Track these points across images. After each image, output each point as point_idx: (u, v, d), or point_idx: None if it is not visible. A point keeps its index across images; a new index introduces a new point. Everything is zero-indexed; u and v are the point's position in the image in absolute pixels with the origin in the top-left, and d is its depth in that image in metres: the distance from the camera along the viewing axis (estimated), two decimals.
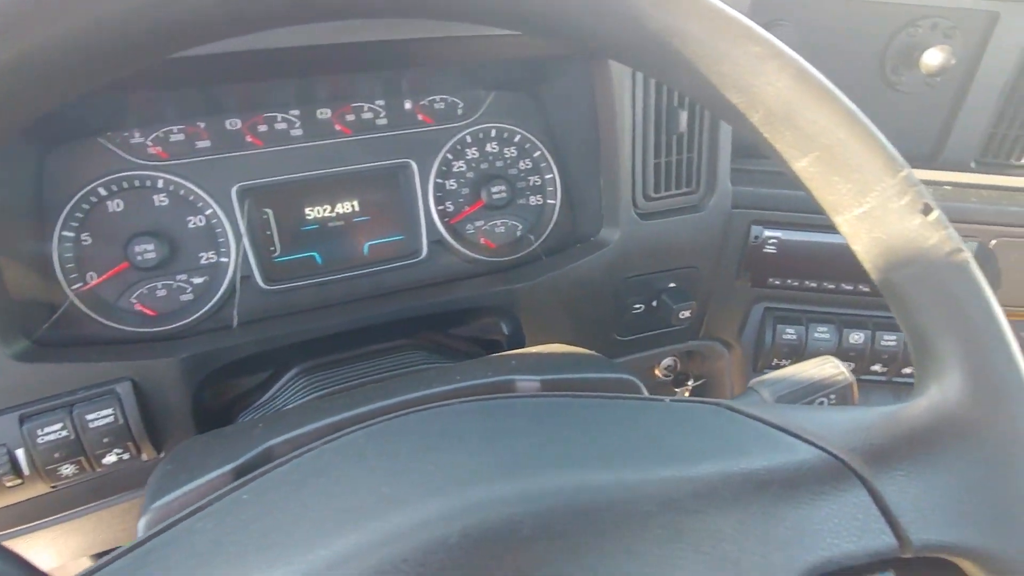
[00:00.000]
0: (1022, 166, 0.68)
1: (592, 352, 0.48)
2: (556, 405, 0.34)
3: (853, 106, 0.29)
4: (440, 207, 0.62)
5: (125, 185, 0.53)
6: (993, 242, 0.64)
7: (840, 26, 0.63)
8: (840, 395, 0.44)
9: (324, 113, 0.59)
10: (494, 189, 0.63)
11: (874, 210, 0.30)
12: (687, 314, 0.63)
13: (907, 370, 0.72)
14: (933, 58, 0.62)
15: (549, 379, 0.40)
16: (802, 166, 0.30)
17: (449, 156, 0.62)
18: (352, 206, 0.60)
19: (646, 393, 0.41)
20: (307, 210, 0.59)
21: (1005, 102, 0.65)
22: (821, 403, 0.44)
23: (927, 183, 0.64)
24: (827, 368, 0.45)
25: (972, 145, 0.68)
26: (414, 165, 0.60)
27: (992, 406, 0.30)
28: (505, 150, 0.64)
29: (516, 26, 0.29)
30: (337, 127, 0.59)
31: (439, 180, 0.62)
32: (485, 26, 0.28)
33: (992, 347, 0.30)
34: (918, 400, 0.32)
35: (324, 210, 0.59)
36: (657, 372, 0.73)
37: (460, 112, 0.63)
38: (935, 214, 0.30)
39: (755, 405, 0.36)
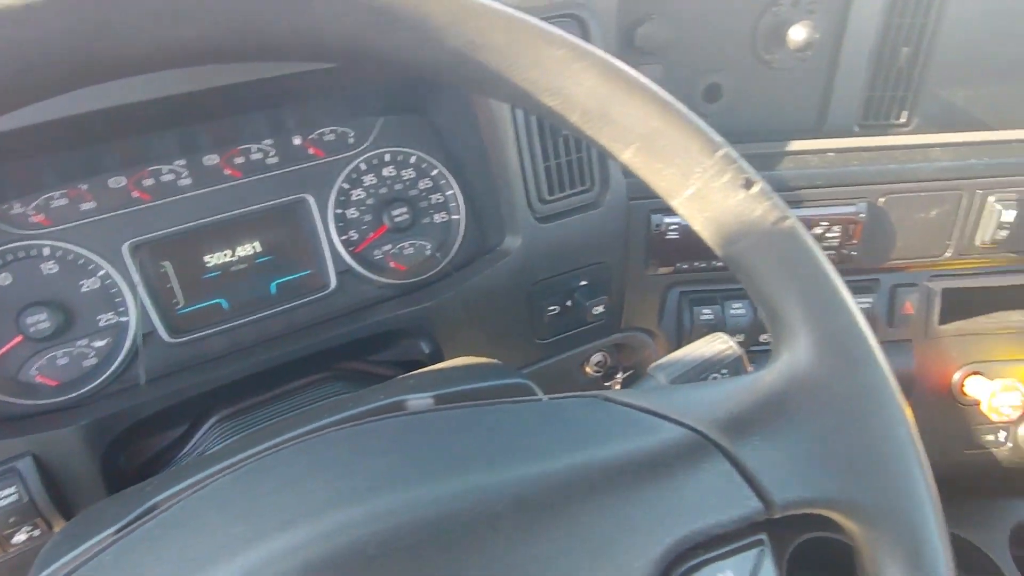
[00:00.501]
0: (901, 124, 0.71)
1: (492, 361, 0.48)
2: (432, 420, 0.34)
3: (665, 95, 0.31)
4: (343, 237, 0.62)
5: (10, 258, 0.52)
6: (881, 200, 0.67)
7: (709, 13, 0.66)
8: (732, 368, 0.46)
9: (211, 159, 0.58)
10: (395, 212, 0.63)
11: (700, 191, 0.31)
12: (600, 309, 0.64)
13: None
14: (798, 34, 0.64)
15: (441, 394, 0.41)
16: (628, 157, 0.31)
17: (345, 186, 0.62)
18: (253, 247, 0.60)
19: (540, 394, 0.42)
20: (207, 258, 0.58)
21: (875, 67, 0.68)
22: (715, 379, 0.46)
23: (813, 152, 0.66)
24: (716, 344, 0.46)
25: (852, 111, 0.70)
26: (311, 199, 0.61)
27: (837, 362, 0.31)
28: (402, 173, 0.65)
29: (325, 59, 0.30)
30: (227, 171, 0.59)
31: (339, 211, 0.62)
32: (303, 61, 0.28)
33: (830, 306, 0.32)
34: (772, 366, 0.33)
35: (225, 255, 0.59)
36: (588, 369, 0.74)
37: (351, 141, 0.63)
38: (757, 187, 0.31)
39: (628, 392, 0.37)
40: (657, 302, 0.71)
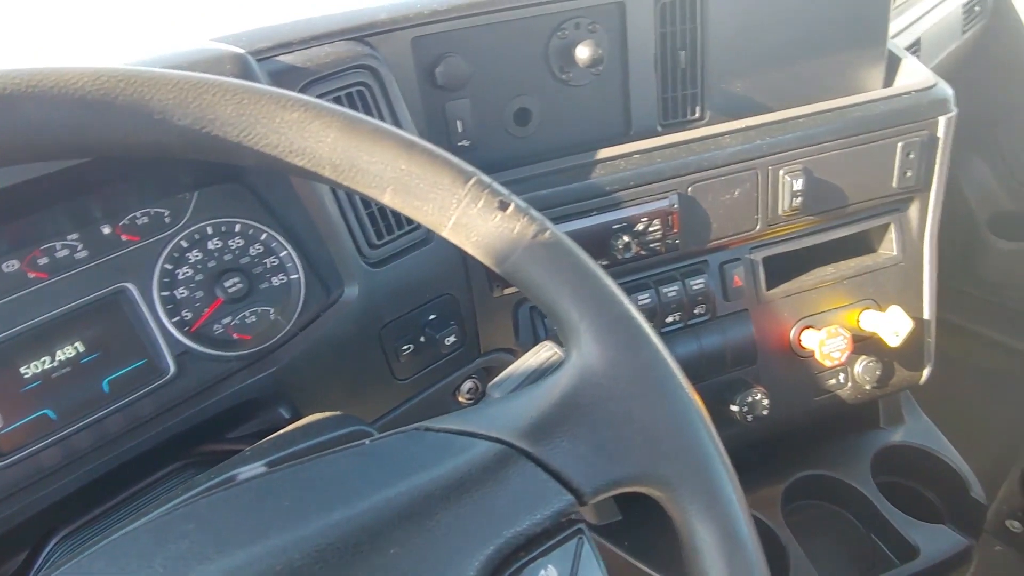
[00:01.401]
0: (698, 119, 0.79)
1: (332, 414, 0.48)
2: (252, 487, 0.34)
3: (408, 136, 0.33)
4: (175, 319, 0.60)
5: None
6: (690, 189, 0.74)
7: (502, 43, 0.70)
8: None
9: (11, 265, 0.55)
10: (229, 283, 0.62)
11: (460, 220, 0.33)
12: (452, 339, 0.66)
13: (698, 310, 0.80)
14: (583, 53, 0.70)
15: (273, 459, 0.41)
16: (388, 200, 0.33)
17: (168, 267, 0.61)
18: (75, 348, 0.57)
19: (376, 435, 0.43)
20: (23, 369, 0.55)
21: (661, 71, 0.75)
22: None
23: (621, 156, 0.71)
24: (543, 353, 0.48)
25: (652, 113, 0.77)
26: (131, 287, 0.58)
27: (616, 352, 0.34)
28: (230, 243, 0.64)
29: (56, 158, 0.30)
30: (31, 275, 0.56)
31: (165, 293, 0.60)
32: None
33: (601, 302, 0.35)
34: (564, 368, 0.36)
35: (43, 363, 0.55)
36: (461, 399, 0.75)
37: (167, 220, 0.61)
38: (511, 207, 0.34)
39: (448, 416, 0.38)
40: (510, 321, 0.74)
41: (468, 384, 0.76)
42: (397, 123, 0.62)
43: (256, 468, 0.40)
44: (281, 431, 0.48)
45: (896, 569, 0.83)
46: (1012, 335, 1.65)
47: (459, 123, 0.70)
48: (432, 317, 0.67)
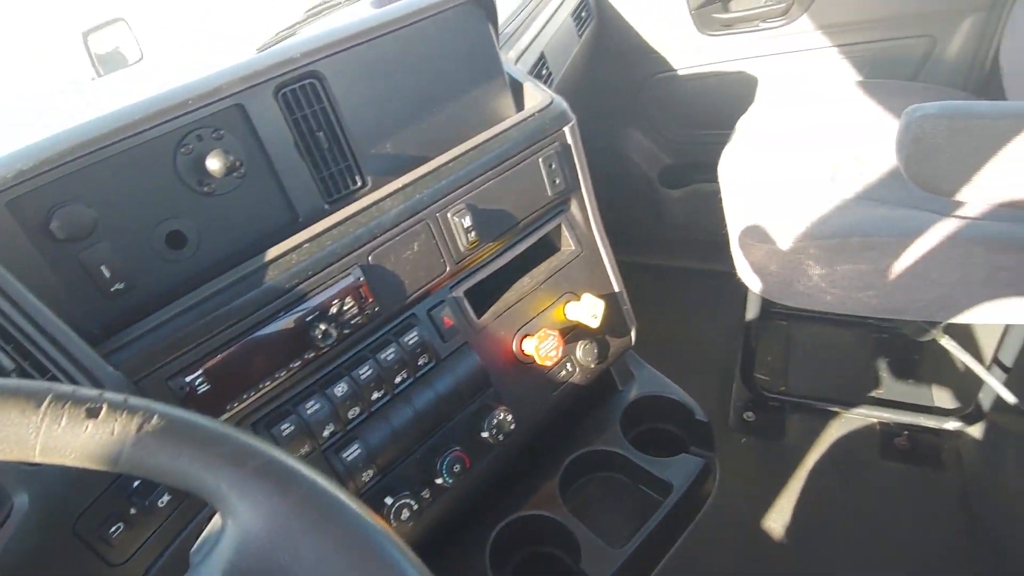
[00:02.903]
0: (363, 187, 0.81)
1: None
2: None
3: None
4: None
5: None
6: (370, 258, 0.76)
7: (123, 175, 0.65)
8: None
9: None
10: None
11: (48, 444, 0.32)
12: (167, 498, 0.61)
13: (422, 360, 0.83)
14: (215, 164, 0.68)
15: None
16: None
17: None
18: None
19: None
20: None
21: (309, 155, 0.76)
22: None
23: (291, 250, 0.71)
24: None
25: (313, 195, 0.78)
26: None
27: (268, 500, 0.34)
28: None
29: None
30: None
31: None
32: None
33: (235, 460, 0.35)
34: (223, 539, 0.35)
35: None
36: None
37: None
38: (104, 408, 0.33)
39: None
40: None
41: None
42: None
43: None
44: None
45: (661, 507, 0.96)
46: (701, 261, 1.99)
47: (104, 269, 0.65)
48: (136, 484, 0.61)
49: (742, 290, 1.42)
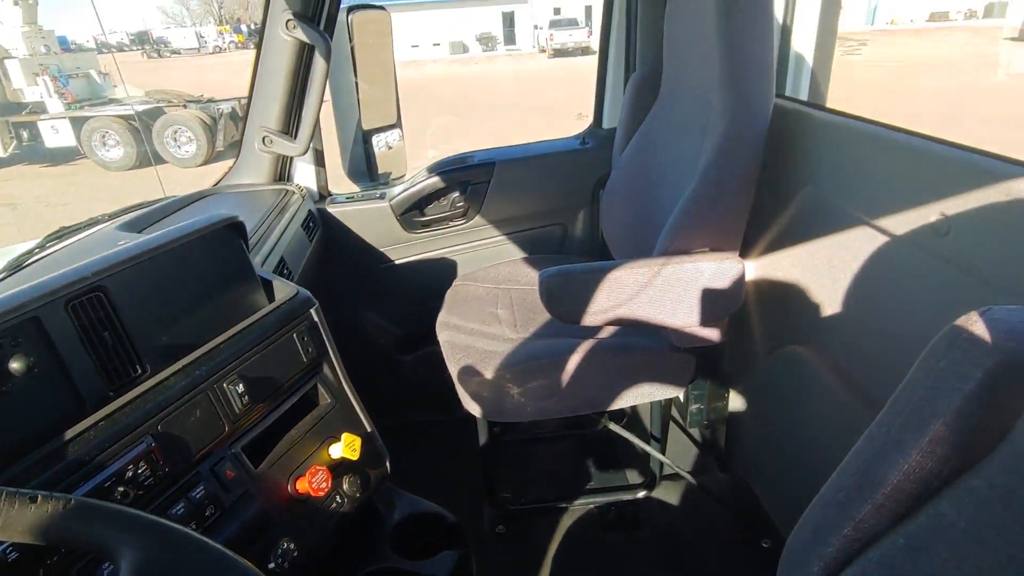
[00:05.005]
0: (142, 375, 0.99)
1: None
2: None
3: None
4: None
5: None
6: (160, 426, 0.93)
7: None
8: None
9: None
10: None
11: (6, 522, 0.48)
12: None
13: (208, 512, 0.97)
14: (17, 365, 0.82)
15: None
16: None
17: None
18: None
19: None
20: None
21: (93, 352, 0.93)
22: None
23: (88, 429, 0.86)
24: None
25: (96, 386, 0.93)
26: None
27: (160, 554, 0.53)
28: None
29: None
30: None
31: None
32: None
33: (131, 527, 0.54)
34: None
35: None
36: None
37: None
38: (39, 497, 0.51)
39: None
40: None
41: None
42: None
43: None
44: None
45: None
46: (442, 412, 2.34)
47: None
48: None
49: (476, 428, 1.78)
